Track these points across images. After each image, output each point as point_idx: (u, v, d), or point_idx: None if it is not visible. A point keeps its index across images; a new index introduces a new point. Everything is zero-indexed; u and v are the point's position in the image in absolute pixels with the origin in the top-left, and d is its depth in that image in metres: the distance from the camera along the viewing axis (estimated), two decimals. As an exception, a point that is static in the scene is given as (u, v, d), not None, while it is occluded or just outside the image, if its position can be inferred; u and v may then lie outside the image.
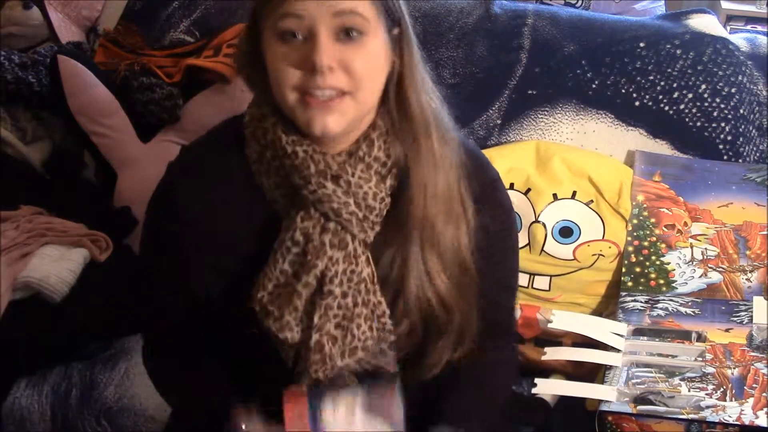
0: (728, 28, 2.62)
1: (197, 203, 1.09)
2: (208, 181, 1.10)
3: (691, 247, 1.62)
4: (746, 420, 1.23)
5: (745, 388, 1.30)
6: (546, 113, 1.82)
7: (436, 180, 1.08)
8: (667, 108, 1.78)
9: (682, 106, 1.77)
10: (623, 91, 1.79)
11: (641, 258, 1.62)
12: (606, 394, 1.31)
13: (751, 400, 1.28)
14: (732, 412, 1.24)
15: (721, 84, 1.77)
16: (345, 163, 1.05)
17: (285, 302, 1.05)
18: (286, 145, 1.04)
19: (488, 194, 1.14)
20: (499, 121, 1.83)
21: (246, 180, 1.09)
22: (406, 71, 1.06)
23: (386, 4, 1.02)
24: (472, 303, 1.12)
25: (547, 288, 1.67)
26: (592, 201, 1.68)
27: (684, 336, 1.44)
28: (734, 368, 1.35)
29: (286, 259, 1.05)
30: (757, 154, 1.76)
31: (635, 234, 1.64)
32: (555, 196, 1.69)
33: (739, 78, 1.78)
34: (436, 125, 1.09)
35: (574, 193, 1.69)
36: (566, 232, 1.66)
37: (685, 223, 1.64)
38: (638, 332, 1.46)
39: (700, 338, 1.43)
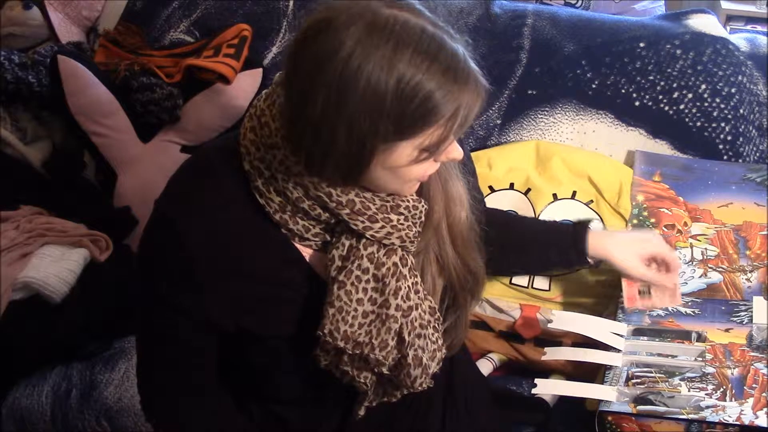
0: (728, 28, 2.62)
1: (200, 232, 1.04)
2: (206, 210, 1.05)
3: (691, 247, 1.61)
4: (746, 420, 1.23)
5: (744, 388, 1.30)
6: (546, 113, 1.82)
7: (450, 172, 1.12)
8: (667, 108, 1.78)
9: (682, 106, 1.77)
10: (623, 91, 1.79)
11: (641, 258, 1.62)
12: (606, 394, 1.31)
13: (750, 400, 1.27)
14: (732, 412, 1.24)
15: (721, 84, 1.77)
16: None
17: (382, 330, 1.05)
18: (338, 197, 1.02)
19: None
20: (499, 121, 1.83)
21: (247, 209, 1.05)
22: None
23: None
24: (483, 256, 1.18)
25: (547, 288, 1.67)
26: (592, 201, 1.68)
27: (684, 336, 1.44)
28: (734, 368, 1.35)
29: (359, 288, 1.05)
30: (757, 154, 1.76)
31: (635, 234, 1.64)
32: (555, 196, 1.69)
33: (739, 78, 1.78)
34: None
35: (574, 193, 1.69)
36: (566, 232, 1.66)
37: (685, 223, 1.64)
38: (638, 332, 1.46)
39: (700, 338, 1.43)
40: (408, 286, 1.07)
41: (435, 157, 0.99)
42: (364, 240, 1.05)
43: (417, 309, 1.08)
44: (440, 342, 1.12)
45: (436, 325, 1.11)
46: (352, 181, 1.00)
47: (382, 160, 0.95)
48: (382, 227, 1.04)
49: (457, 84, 0.92)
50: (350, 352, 1.05)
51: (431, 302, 1.11)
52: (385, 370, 1.07)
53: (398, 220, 1.05)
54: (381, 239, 1.05)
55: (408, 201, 1.06)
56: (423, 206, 1.08)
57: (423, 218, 1.09)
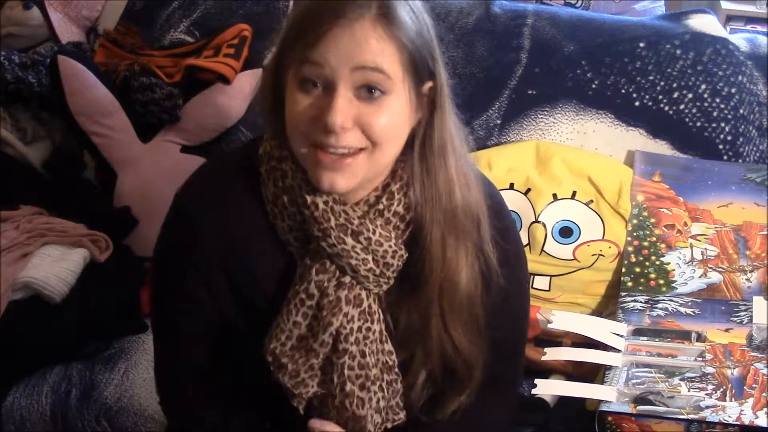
0: (728, 28, 2.62)
1: (214, 231, 1.05)
2: (221, 210, 1.06)
3: (691, 247, 1.62)
4: (746, 420, 1.23)
5: (744, 388, 1.30)
6: (546, 113, 1.82)
7: (458, 239, 1.05)
8: (667, 108, 1.78)
9: (682, 106, 1.77)
10: (623, 91, 1.79)
11: (641, 258, 1.62)
12: (606, 394, 1.31)
13: (750, 400, 1.27)
14: (732, 412, 1.24)
15: (721, 84, 1.77)
16: (365, 217, 1.02)
17: (301, 359, 1.03)
18: (305, 194, 1.00)
19: (507, 246, 1.10)
20: (499, 121, 1.83)
21: (260, 215, 1.06)
22: (436, 129, 1.01)
23: (415, 61, 0.96)
24: (483, 352, 1.10)
25: (547, 288, 1.67)
26: (592, 201, 1.68)
27: (684, 336, 1.44)
28: (734, 368, 1.35)
29: (300, 311, 1.03)
30: (757, 154, 1.76)
31: (635, 234, 1.64)
32: (555, 196, 1.69)
33: (739, 78, 1.78)
34: (464, 182, 1.05)
35: (574, 193, 1.69)
36: (566, 232, 1.66)
37: (685, 223, 1.64)
38: (638, 332, 1.46)
39: (700, 338, 1.43)
40: (351, 327, 1.03)
41: (302, 89, 0.95)
42: (317, 265, 1.03)
43: (364, 356, 1.04)
44: (389, 397, 1.07)
45: (388, 379, 1.06)
46: (281, 115, 1.00)
47: (286, 82, 0.98)
48: (333, 245, 1.01)
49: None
50: (272, 369, 1.04)
51: (390, 351, 1.07)
52: (292, 398, 1.05)
53: (353, 247, 1.01)
54: (331, 255, 1.02)
55: (374, 234, 1.02)
56: (393, 249, 1.03)
57: (392, 263, 1.03)
